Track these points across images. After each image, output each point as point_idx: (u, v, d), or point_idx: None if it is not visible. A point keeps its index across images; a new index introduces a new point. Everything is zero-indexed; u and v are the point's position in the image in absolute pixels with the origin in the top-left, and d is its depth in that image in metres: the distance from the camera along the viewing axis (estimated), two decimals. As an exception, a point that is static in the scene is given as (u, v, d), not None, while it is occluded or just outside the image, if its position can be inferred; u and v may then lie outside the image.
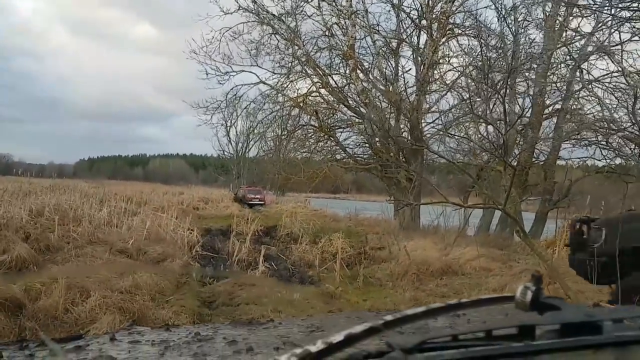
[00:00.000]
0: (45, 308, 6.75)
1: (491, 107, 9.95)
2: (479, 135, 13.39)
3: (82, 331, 6.00)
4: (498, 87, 9.28)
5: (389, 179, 17.90)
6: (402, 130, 17.77)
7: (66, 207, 15.74)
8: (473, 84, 14.35)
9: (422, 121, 16.53)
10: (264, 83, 19.85)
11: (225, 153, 48.61)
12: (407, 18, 18.58)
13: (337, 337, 0.67)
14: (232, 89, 20.56)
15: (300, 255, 13.79)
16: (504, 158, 6.77)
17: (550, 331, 0.79)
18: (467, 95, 14.93)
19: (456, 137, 13.08)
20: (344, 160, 20.53)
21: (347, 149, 19.79)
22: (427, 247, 11.99)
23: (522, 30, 13.71)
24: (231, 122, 37.17)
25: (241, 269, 11.47)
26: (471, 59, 15.97)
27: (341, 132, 19.99)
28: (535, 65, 13.72)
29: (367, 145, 19.01)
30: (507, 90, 8.84)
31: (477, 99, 13.67)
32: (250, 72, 19.73)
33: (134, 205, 19.99)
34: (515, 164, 11.66)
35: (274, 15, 18.45)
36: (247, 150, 41.98)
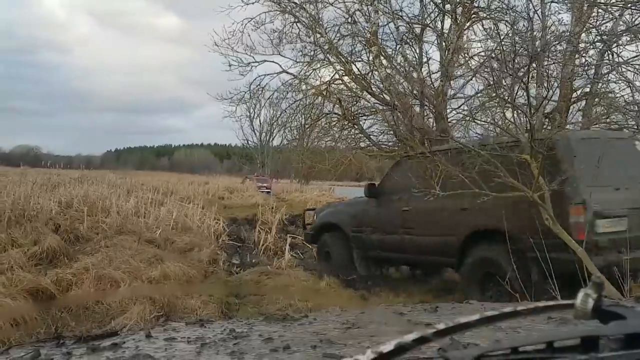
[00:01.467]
0: (76, 299, 6.86)
1: (516, 92, 9.73)
2: (506, 121, 13.17)
3: (113, 322, 6.09)
4: (521, 73, 9.08)
5: (414, 166, 17.78)
6: (427, 117, 17.59)
7: (94, 198, 15.95)
8: (497, 70, 14.10)
9: (447, 107, 16.30)
10: (287, 72, 19.72)
11: (249, 142, 48.80)
12: (431, 2, 18.31)
13: (387, 347, 0.65)
14: (255, 79, 20.48)
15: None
16: (530, 144, 6.64)
17: (614, 341, 0.75)
18: (492, 80, 14.69)
19: (481, 122, 12.85)
20: (369, 147, 20.39)
21: (371, 136, 19.64)
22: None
23: (549, 10, 13.42)
24: (255, 112, 37.20)
25: (267, 258, 11.51)
26: (495, 44, 15.69)
27: (365, 119, 19.84)
28: (562, 48, 13.41)
29: (391, 132, 18.87)
30: (530, 76, 8.61)
31: (502, 85, 13.43)
32: (273, 61, 19.61)
33: (160, 196, 20.18)
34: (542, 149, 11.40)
35: (295, 3, 18.30)
36: (270, 139, 42.04)
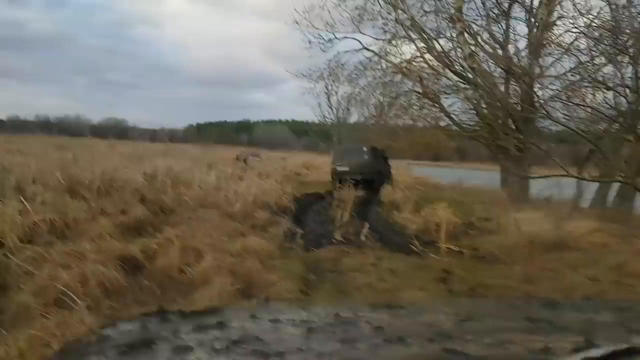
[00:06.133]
0: (161, 268, 7.09)
1: (619, 71, 9.14)
2: (598, 102, 12.43)
3: (196, 292, 6.24)
4: (627, 48, 8.50)
5: (497, 147, 17.23)
6: (512, 96, 16.95)
7: (177, 171, 16.46)
8: (593, 45, 13.30)
9: (535, 86, 15.62)
10: (367, 49, 19.60)
11: (326, 119, 48.86)
12: (521, -23, 17.54)
13: (594, 353, 0.57)
14: (334, 56, 20.47)
15: (403, 223, 13.63)
16: (631, 127, 6.23)
17: None
18: (586, 59, 13.92)
19: (572, 104, 12.21)
20: (449, 127, 19.95)
21: (452, 115, 19.20)
22: (538, 219, 11.42)
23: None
24: (333, 89, 37.18)
25: (344, 235, 11.48)
26: (590, 19, 14.83)
27: (446, 98, 19.40)
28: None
29: (473, 111, 18.34)
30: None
31: (598, 63, 12.68)
32: (353, 38, 19.55)
33: (239, 171, 20.59)
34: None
35: (377, -21, 18.04)
36: (347, 116, 42.02)
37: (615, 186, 14.95)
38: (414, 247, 10.44)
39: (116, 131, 62.86)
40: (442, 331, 1.16)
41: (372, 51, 19.42)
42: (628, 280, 7.64)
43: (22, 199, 8.61)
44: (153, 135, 58.31)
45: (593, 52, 12.07)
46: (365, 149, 21.67)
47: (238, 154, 34.65)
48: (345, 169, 20.57)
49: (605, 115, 9.26)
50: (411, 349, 1.07)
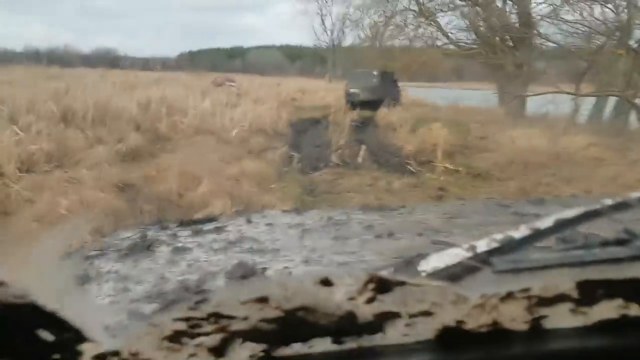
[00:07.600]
0: (160, 193, 7.19)
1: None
2: (594, 17, 12.21)
3: (195, 214, 6.35)
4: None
5: (493, 65, 17.03)
6: (510, 12, 16.58)
7: (172, 99, 16.32)
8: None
9: (532, 1, 15.25)
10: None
11: (321, 43, 47.93)
12: None
13: (545, 223, 0.59)
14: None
15: (399, 144, 13.66)
16: (624, 41, 6.15)
17: None
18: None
19: (568, 21, 11.98)
20: (445, 46, 19.63)
21: (448, 34, 18.85)
22: (534, 136, 11.47)
23: None
24: (326, 10, 36.28)
25: (340, 158, 11.54)
26: None
27: (442, 16, 18.98)
28: None
29: (470, 29, 17.99)
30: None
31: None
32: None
33: (234, 97, 20.41)
34: (636, 46, 10.61)
35: None
36: (342, 38, 41.22)
37: (612, 101, 14.92)
38: (410, 167, 10.52)
39: (107, 61, 61.62)
40: (431, 227, 1.21)
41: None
42: (621, 191, 7.76)
43: (17, 130, 8.59)
44: (145, 64, 57.32)
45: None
46: (375, 73, 23.18)
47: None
48: (357, 91, 22.35)
49: (596, 30, 9.10)
50: (400, 242, 1.11)
